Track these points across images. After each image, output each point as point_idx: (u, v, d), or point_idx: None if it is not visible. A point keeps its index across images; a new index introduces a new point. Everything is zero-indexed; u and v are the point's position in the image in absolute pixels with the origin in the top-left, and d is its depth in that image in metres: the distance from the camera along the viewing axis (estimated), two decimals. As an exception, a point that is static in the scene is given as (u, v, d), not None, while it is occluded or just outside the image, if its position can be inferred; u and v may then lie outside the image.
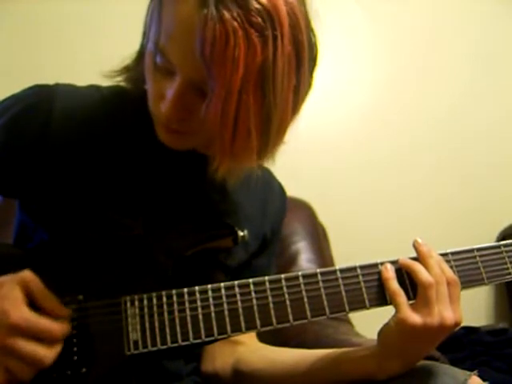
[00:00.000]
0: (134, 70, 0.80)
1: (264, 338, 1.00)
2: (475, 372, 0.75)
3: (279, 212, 1.01)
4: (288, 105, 0.70)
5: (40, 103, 0.81)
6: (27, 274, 0.67)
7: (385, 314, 0.76)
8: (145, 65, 0.74)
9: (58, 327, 0.66)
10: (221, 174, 0.71)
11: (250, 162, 0.73)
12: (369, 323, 1.01)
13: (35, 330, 0.64)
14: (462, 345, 1.66)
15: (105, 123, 0.83)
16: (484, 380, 0.76)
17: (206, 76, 0.63)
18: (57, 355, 0.66)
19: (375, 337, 0.78)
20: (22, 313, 0.64)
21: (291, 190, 1.10)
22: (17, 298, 0.65)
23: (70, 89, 0.84)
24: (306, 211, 1.68)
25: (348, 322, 1.50)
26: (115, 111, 0.84)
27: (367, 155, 2.01)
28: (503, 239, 0.82)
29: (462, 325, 0.75)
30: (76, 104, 0.82)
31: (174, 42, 0.66)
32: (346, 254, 1.43)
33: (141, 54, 0.78)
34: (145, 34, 0.76)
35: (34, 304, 0.66)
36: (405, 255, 0.77)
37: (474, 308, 1.93)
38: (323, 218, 1.71)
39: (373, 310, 0.76)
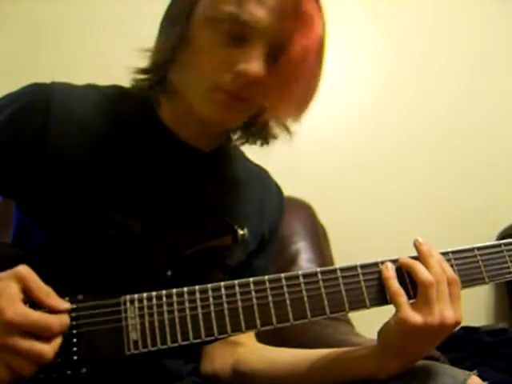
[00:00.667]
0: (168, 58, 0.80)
1: (263, 338, 1.00)
2: (475, 372, 0.75)
3: (276, 212, 1.02)
4: (320, 77, 0.80)
5: (37, 102, 0.80)
6: (22, 269, 0.66)
7: (385, 313, 0.76)
8: (199, 40, 0.76)
9: (55, 320, 0.65)
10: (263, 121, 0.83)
11: (290, 116, 0.82)
12: (369, 323, 1.01)
13: (32, 325, 0.63)
14: (461, 345, 1.66)
15: (103, 121, 0.83)
16: (484, 380, 0.76)
17: (291, 31, 0.72)
18: (57, 349, 0.65)
19: (375, 337, 0.78)
20: (17, 309, 0.63)
21: (291, 190, 1.10)
22: (12, 295, 0.64)
23: (67, 87, 0.84)
24: (306, 211, 1.68)
25: (348, 322, 1.50)
26: (113, 110, 0.84)
27: (367, 155, 2.01)
28: (503, 239, 0.82)
29: (462, 325, 0.75)
30: (73, 102, 0.82)
31: (263, 5, 0.73)
32: (345, 254, 1.43)
33: (179, 39, 0.78)
34: (189, 15, 0.77)
35: (31, 299, 0.66)
36: (405, 255, 0.77)
37: (474, 308, 1.93)
38: (323, 218, 1.71)
39: (373, 310, 0.75)
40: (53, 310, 0.66)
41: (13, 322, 0.62)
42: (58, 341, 0.66)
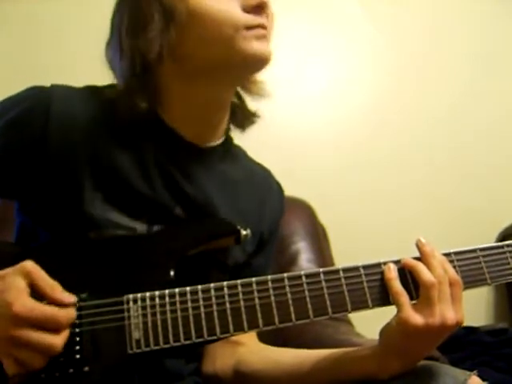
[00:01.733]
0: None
1: (264, 338, 1.00)
2: (475, 372, 0.75)
3: (276, 211, 1.02)
4: None
5: (38, 106, 0.80)
6: (28, 264, 0.67)
7: (385, 314, 0.76)
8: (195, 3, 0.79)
9: (62, 313, 0.66)
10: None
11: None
12: (369, 323, 1.01)
13: (40, 318, 0.64)
14: (461, 345, 1.66)
15: (103, 122, 0.83)
16: (484, 380, 0.76)
17: None
18: (65, 341, 0.66)
19: (375, 337, 0.79)
20: (25, 303, 0.64)
21: (291, 190, 1.10)
22: (19, 289, 0.65)
23: (67, 90, 0.84)
24: (306, 211, 1.68)
25: (348, 322, 1.50)
26: (113, 109, 0.84)
27: (367, 155, 2.01)
28: (503, 239, 0.82)
29: (462, 325, 0.75)
30: (73, 104, 0.82)
31: None
32: (345, 254, 1.43)
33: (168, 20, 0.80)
34: None
35: (37, 293, 0.66)
36: (405, 255, 0.77)
37: (474, 308, 1.93)
38: (323, 217, 1.71)
39: (373, 310, 0.75)
40: (60, 304, 0.67)
41: (21, 315, 0.63)
42: (65, 333, 0.67)
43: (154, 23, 0.79)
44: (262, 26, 0.81)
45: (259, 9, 0.81)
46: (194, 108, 0.86)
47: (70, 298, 0.69)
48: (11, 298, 0.63)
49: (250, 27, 0.79)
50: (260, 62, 0.82)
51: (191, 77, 0.83)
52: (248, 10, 0.80)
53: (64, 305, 0.68)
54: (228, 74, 0.84)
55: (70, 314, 0.68)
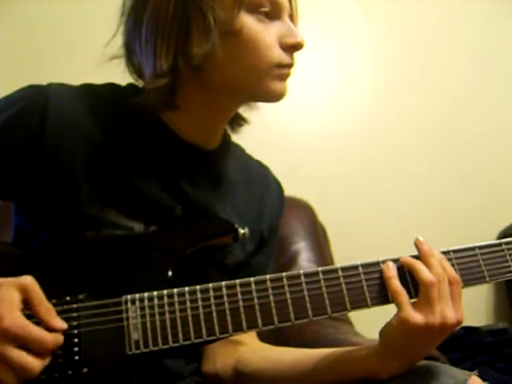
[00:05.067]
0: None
1: (264, 338, 1.00)
2: (475, 372, 0.75)
3: (276, 209, 1.02)
4: None
5: (34, 105, 0.79)
6: (27, 279, 0.65)
7: (385, 313, 0.76)
8: (245, 28, 0.79)
9: (51, 338, 0.64)
10: None
11: None
12: (369, 323, 1.01)
13: (27, 337, 0.62)
14: (462, 345, 1.66)
15: (101, 122, 0.82)
16: (484, 380, 0.75)
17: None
18: (44, 367, 0.64)
19: (375, 336, 0.78)
20: (15, 319, 0.62)
21: (291, 190, 1.10)
22: (12, 303, 0.63)
23: (64, 88, 0.83)
24: (306, 211, 1.68)
25: (348, 321, 1.50)
26: (111, 109, 0.84)
27: (367, 155, 2.01)
28: (503, 239, 0.82)
29: (462, 325, 0.75)
30: (70, 104, 0.81)
31: None
32: (345, 254, 1.43)
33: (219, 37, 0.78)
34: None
35: (30, 310, 0.65)
36: (405, 254, 0.77)
37: (474, 308, 1.93)
38: (323, 217, 1.71)
39: (373, 310, 0.75)
40: (49, 327, 0.66)
41: (9, 331, 0.61)
42: (47, 359, 0.65)
43: (212, 32, 0.77)
44: (290, 66, 0.83)
45: (293, 49, 0.82)
46: (202, 116, 0.86)
47: (62, 324, 0.67)
48: (2, 311, 0.62)
49: (280, 65, 0.81)
50: (276, 99, 0.85)
51: (212, 90, 0.83)
52: (283, 47, 0.81)
53: (54, 329, 0.66)
54: (246, 98, 0.88)
55: (58, 339, 0.66)
